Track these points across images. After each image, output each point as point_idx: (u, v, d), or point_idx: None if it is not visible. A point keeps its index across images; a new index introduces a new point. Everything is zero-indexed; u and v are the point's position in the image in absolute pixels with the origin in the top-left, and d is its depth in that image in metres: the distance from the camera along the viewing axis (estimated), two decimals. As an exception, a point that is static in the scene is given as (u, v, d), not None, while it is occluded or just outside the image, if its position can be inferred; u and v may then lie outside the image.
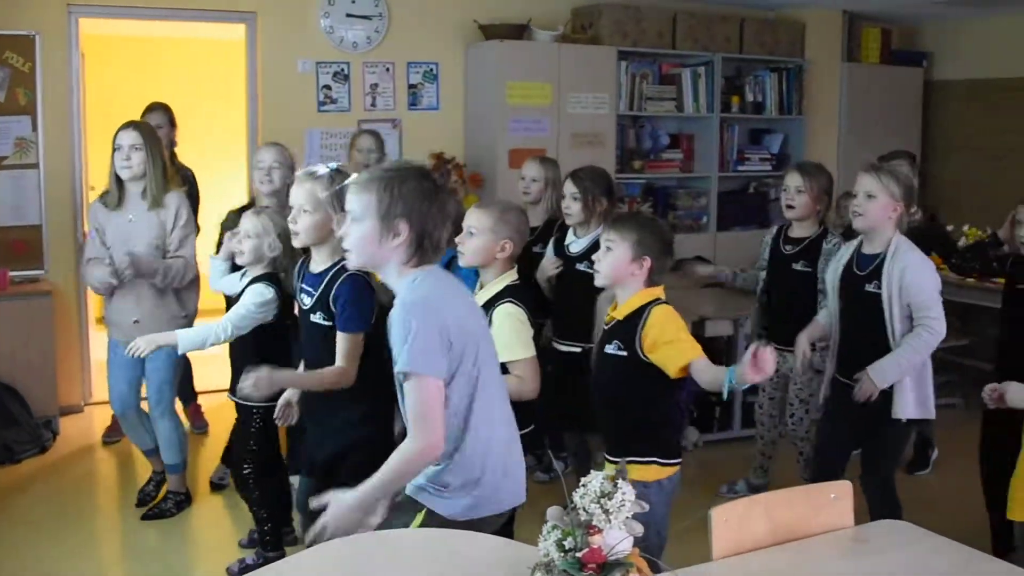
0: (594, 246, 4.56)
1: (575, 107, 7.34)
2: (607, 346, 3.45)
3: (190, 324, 4.76)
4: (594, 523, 1.91)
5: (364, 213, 2.65)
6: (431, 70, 7.34)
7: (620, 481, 1.91)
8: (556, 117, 7.27)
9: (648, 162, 7.90)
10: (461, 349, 2.67)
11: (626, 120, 7.81)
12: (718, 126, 8.05)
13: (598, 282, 3.50)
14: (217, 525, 5.00)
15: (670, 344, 3.29)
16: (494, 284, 3.64)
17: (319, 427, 3.70)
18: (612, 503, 1.89)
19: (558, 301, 4.83)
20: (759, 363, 2.99)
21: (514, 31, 7.20)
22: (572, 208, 4.70)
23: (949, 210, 8.50)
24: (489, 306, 3.52)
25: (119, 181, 4.67)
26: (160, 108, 5.89)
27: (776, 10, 8.51)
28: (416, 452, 2.64)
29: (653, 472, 3.35)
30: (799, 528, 2.70)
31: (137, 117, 5.12)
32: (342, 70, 7.05)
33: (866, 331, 4.04)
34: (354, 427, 3.60)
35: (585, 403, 4.34)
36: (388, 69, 7.20)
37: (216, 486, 5.33)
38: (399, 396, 2.75)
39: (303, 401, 3.84)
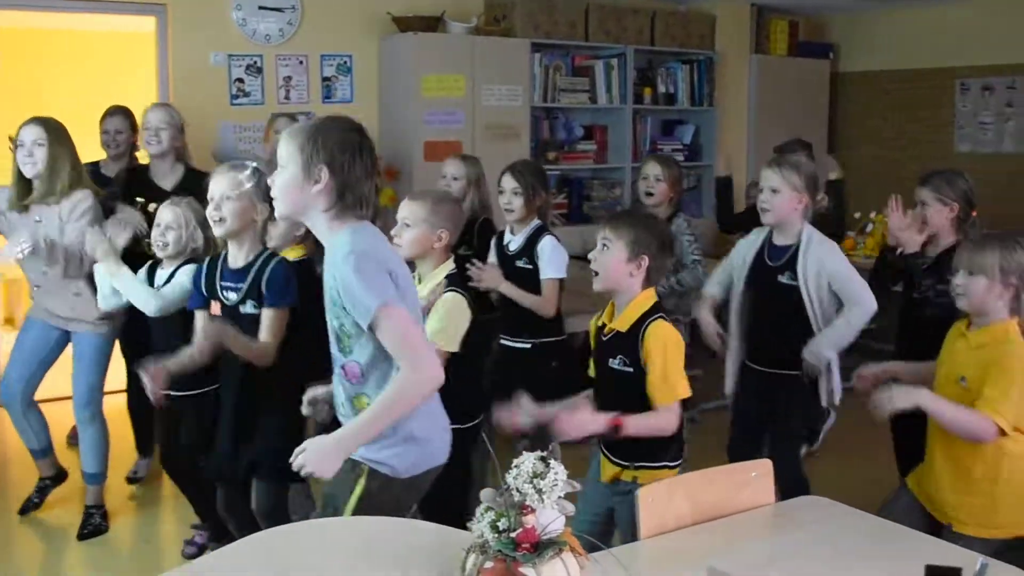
0: (531, 241, 4.59)
1: (489, 99, 7.35)
2: (611, 360, 3.28)
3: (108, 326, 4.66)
4: (527, 503, 1.93)
5: (289, 160, 2.71)
6: (345, 62, 7.30)
7: (552, 461, 1.93)
8: (471, 109, 7.27)
9: (562, 153, 7.95)
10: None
11: (540, 112, 7.85)
12: (631, 117, 8.13)
13: (596, 287, 3.31)
14: (148, 534, 4.91)
15: (661, 376, 3.17)
16: (434, 275, 3.65)
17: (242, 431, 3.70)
18: (545, 483, 1.91)
19: (503, 299, 4.67)
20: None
21: (428, 23, 7.19)
22: (514, 203, 4.57)
23: (856, 199, 8.68)
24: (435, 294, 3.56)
25: (23, 179, 4.49)
26: (120, 112, 5.60)
27: (687, 3, 8.62)
28: (415, 381, 2.65)
29: (664, 475, 3.20)
30: (722, 506, 2.77)
31: (46, 113, 5.00)
32: (255, 63, 6.98)
33: (778, 321, 4.10)
34: (273, 434, 3.62)
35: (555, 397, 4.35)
36: (302, 62, 7.14)
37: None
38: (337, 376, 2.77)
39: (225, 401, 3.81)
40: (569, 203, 7.99)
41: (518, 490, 1.93)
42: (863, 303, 3.99)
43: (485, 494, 2.00)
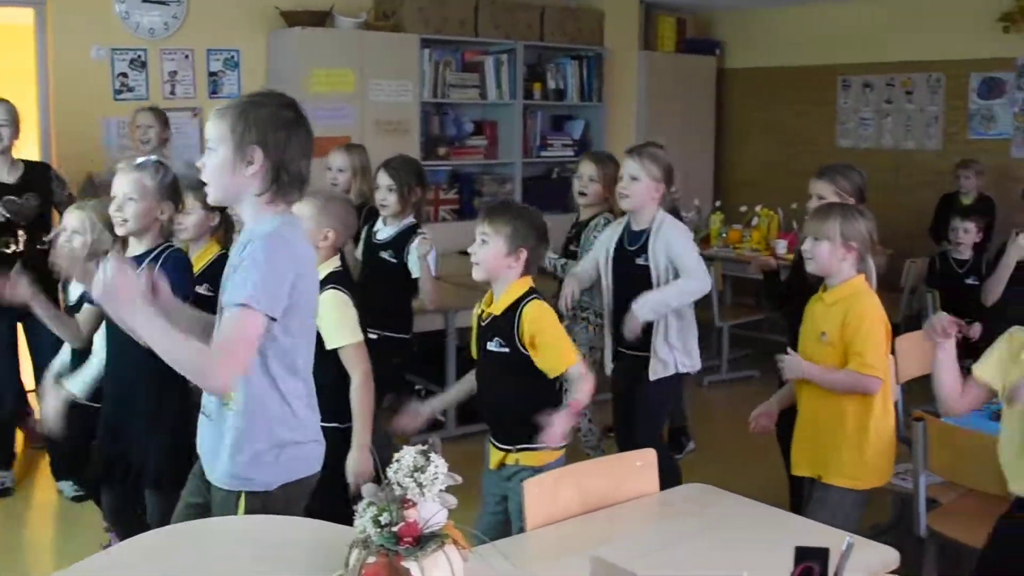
0: (401, 235, 4.60)
1: (378, 94, 7.32)
2: (488, 343, 3.42)
3: None
4: (409, 497, 1.93)
5: (219, 141, 2.54)
6: (232, 57, 7.20)
7: (433, 455, 1.94)
8: (360, 104, 7.24)
9: (453, 149, 7.96)
10: (295, 304, 2.57)
11: (430, 107, 7.84)
12: (521, 113, 8.17)
13: (476, 276, 3.42)
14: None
15: (548, 347, 3.33)
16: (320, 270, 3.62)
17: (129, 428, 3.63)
18: (425, 476, 1.92)
19: (362, 290, 4.71)
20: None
21: (316, 18, 7.14)
22: (388, 200, 4.62)
23: (744, 192, 8.87)
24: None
25: None
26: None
27: (576, -1, 8.70)
28: (205, 368, 2.46)
29: (545, 456, 3.37)
30: (608, 496, 2.81)
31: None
32: (139, 57, 6.84)
33: (632, 300, 4.28)
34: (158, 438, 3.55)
35: (390, 393, 4.39)
36: (187, 56, 7.02)
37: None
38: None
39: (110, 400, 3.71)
40: (460, 198, 8.00)
41: (399, 484, 1.93)
42: (695, 276, 4.25)
43: (367, 489, 1.99)
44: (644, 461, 2.90)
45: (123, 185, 3.50)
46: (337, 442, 3.49)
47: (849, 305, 3.49)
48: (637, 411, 4.45)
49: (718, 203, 8.41)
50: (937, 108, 8.47)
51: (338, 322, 3.53)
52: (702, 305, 7.30)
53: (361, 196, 5.10)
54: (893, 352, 4.17)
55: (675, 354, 4.35)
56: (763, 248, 7.34)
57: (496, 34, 7.98)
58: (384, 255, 4.63)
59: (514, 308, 3.35)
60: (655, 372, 4.33)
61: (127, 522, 3.78)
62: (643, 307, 4.22)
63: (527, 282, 3.41)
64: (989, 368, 3.05)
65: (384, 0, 7.65)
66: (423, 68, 7.58)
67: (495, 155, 8.23)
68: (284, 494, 2.70)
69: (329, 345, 3.49)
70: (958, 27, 8.19)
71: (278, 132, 2.52)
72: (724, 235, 7.68)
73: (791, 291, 4.28)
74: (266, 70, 7.30)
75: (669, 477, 4.24)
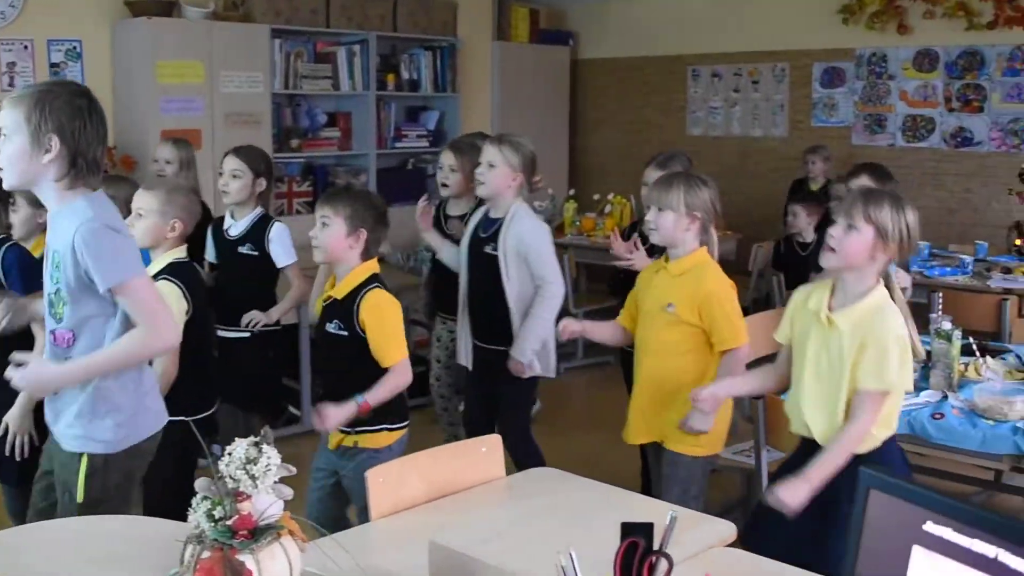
0: (256, 226, 4.55)
1: (229, 86, 7.20)
2: (327, 324, 3.52)
3: None
4: (242, 490, 1.92)
5: (15, 129, 2.64)
6: (74, 48, 6.99)
7: (265, 446, 1.93)
8: (209, 96, 7.10)
9: (306, 141, 7.87)
10: None
11: (282, 99, 7.74)
12: (374, 104, 8.12)
13: (317, 258, 3.52)
14: None
15: (377, 338, 3.43)
16: (157, 262, 3.69)
17: None
18: (258, 468, 1.91)
19: (219, 286, 4.67)
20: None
21: (163, 8, 6.97)
22: (231, 186, 4.56)
23: (597, 181, 9.00)
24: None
25: None
26: None
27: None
28: (148, 343, 2.74)
29: (384, 438, 3.49)
30: (454, 482, 2.82)
31: None
32: (-27, 48, 6.61)
33: (487, 291, 4.32)
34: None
35: (247, 385, 4.36)
36: (26, 47, 6.79)
37: None
38: None
39: None
40: (314, 190, 7.90)
41: (231, 477, 1.92)
42: (552, 282, 4.25)
43: (200, 483, 1.97)
44: (489, 446, 2.92)
45: None
46: (188, 435, 3.51)
47: (696, 279, 3.54)
48: (502, 403, 4.45)
49: (572, 191, 8.51)
50: (782, 97, 8.73)
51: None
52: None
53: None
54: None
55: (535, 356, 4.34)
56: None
57: (348, 25, 7.91)
58: (243, 249, 4.57)
59: (355, 293, 3.44)
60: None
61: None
62: (520, 351, 4.24)
63: (371, 267, 3.50)
64: (784, 331, 3.17)
65: (233, -10, 7.53)
66: (274, 59, 7.47)
67: (349, 147, 8.17)
68: (126, 455, 2.84)
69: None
70: (801, 18, 8.46)
71: (74, 120, 2.64)
72: (578, 223, 7.78)
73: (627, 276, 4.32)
74: (111, 61, 7.11)
75: (533, 461, 4.33)
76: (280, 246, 4.55)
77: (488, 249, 4.30)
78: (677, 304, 3.54)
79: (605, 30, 9.77)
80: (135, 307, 2.71)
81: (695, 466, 3.61)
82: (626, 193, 7.81)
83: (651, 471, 3.92)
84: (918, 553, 1.24)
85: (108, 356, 2.73)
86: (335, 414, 3.39)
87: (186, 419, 3.42)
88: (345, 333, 3.46)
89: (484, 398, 4.51)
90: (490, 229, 4.34)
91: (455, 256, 4.56)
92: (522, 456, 4.28)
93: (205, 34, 7.08)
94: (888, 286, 2.95)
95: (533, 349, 4.26)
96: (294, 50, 7.65)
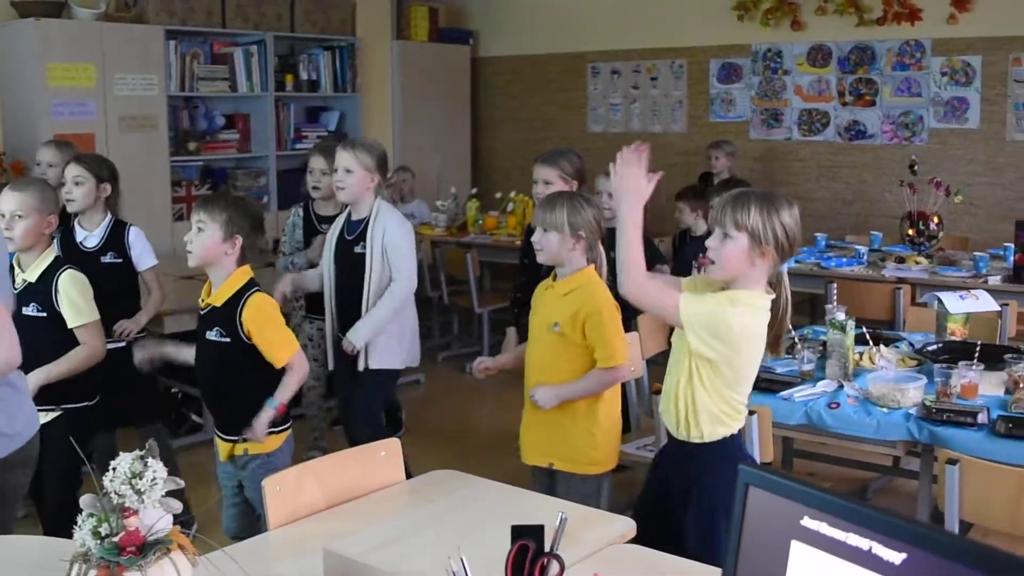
0: (114, 233, 4.53)
1: (122, 89, 7.06)
2: (208, 333, 3.48)
3: None
4: (127, 505, 1.88)
5: None
6: (-42, 51, 6.81)
7: (150, 460, 1.89)
8: (103, 100, 6.96)
9: (204, 144, 7.76)
10: None
11: (178, 101, 7.62)
12: (273, 105, 8.04)
13: (191, 263, 3.49)
14: None
15: (268, 341, 3.44)
16: (42, 259, 3.71)
17: None
18: (143, 482, 1.87)
19: None
20: None
21: (52, 9, 6.81)
22: (75, 193, 4.47)
23: (499, 179, 9.01)
24: (47, 279, 3.66)
25: None
26: None
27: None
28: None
29: (271, 441, 3.50)
30: (354, 488, 2.79)
31: None
32: None
33: (353, 287, 4.43)
34: None
35: (133, 398, 4.31)
36: (-92, 51, 6.60)
37: None
38: None
39: None
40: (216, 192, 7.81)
41: (117, 493, 1.87)
42: (403, 278, 4.40)
43: (84, 500, 1.92)
44: (388, 451, 2.90)
45: None
46: (71, 425, 3.61)
47: (581, 298, 3.52)
48: (357, 398, 4.57)
49: (474, 190, 8.50)
50: (681, 93, 8.82)
51: (81, 300, 3.70)
52: (462, 293, 7.45)
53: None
54: (633, 330, 4.33)
55: (384, 349, 4.46)
56: (519, 233, 7.47)
57: (245, 25, 7.81)
58: (106, 259, 4.51)
59: (236, 299, 3.43)
60: (372, 362, 4.44)
61: None
62: (357, 334, 4.38)
63: (247, 272, 3.50)
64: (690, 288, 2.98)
65: (125, -10, 7.38)
66: (169, 60, 7.35)
67: (248, 149, 8.08)
68: (7, 466, 2.78)
69: (71, 324, 3.67)
70: (697, 15, 8.55)
71: None
72: (481, 222, 7.76)
73: (526, 281, 4.33)
74: (-2, 65, 6.93)
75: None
76: (141, 249, 4.58)
77: (357, 249, 4.41)
78: (562, 323, 3.53)
79: (505, 28, 9.78)
80: None
81: (590, 485, 3.60)
82: (528, 191, 7.81)
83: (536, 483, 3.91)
84: (797, 548, 1.25)
85: None
86: (258, 425, 3.41)
87: (72, 406, 3.70)
88: (228, 340, 3.44)
89: (347, 392, 4.63)
90: (355, 231, 4.45)
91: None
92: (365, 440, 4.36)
93: (96, 35, 6.94)
94: (777, 289, 2.88)
95: (367, 336, 4.38)
96: (190, 51, 7.53)
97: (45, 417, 3.54)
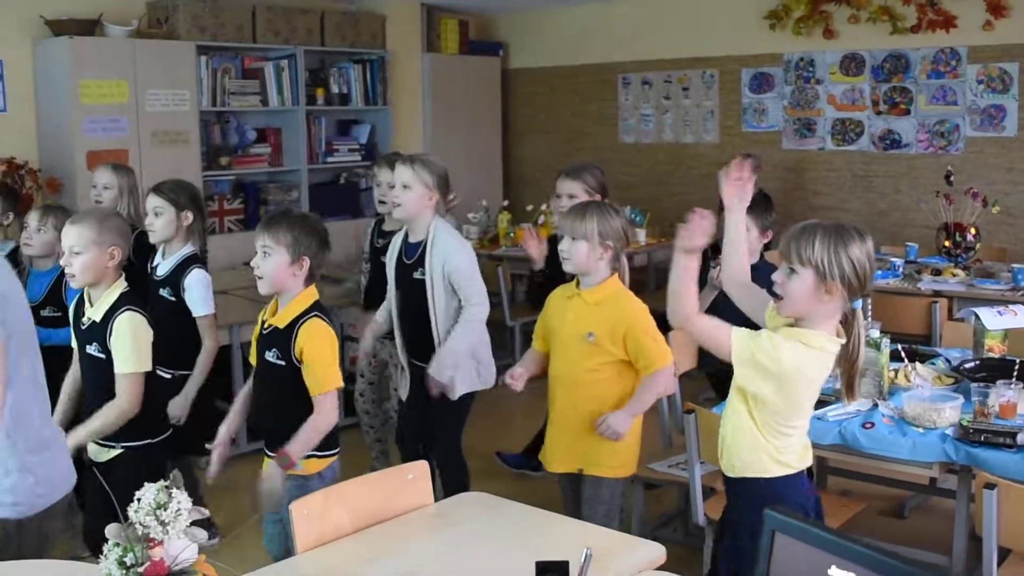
0: (177, 269, 4.37)
1: (155, 104, 7.10)
2: (267, 353, 3.39)
3: None
4: (152, 535, 1.87)
5: None
6: (-5, 68, 6.86)
7: (175, 490, 1.88)
8: (135, 116, 7.00)
9: (236, 158, 7.79)
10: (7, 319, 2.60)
11: (210, 116, 7.66)
12: (304, 119, 8.06)
13: (262, 290, 3.38)
14: None
15: (311, 368, 3.31)
16: (107, 295, 3.53)
17: None
18: (168, 513, 1.86)
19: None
20: None
21: (85, 27, 6.86)
22: (155, 224, 4.36)
23: (530, 191, 8.99)
24: (107, 318, 3.49)
25: None
26: None
27: (356, 3, 8.61)
28: None
29: (313, 465, 3.37)
30: (381, 511, 2.78)
31: None
32: None
33: (419, 316, 4.24)
34: None
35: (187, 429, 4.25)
36: (-57, 69, 6.66)
37: None
38: None
39: None
40: (245, 208, 7.84)
41: (141, 524, 1.87)
42: (475, 302, 4.19)
43: (110, 529, 1.92)
44: (416, 473, 2.88)
45: None
46: (142, 460, 3.57)
47: (615, 309, 3.55)
48: (435, 420, 4.39)
49: (506, 202, 8.48)
50: (712, 103, 8.76)
51: (131, 346, 3.48)
52: (494, 306, 7.41)
53: (129, 219, 4.84)
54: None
55: (463, 374, 4.28)
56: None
57: (275, 40, 7.83)
58: (163, 292, 4.38)
59: (295, 322, 3.33)
60: (458, 392, 4.27)
61: None
62: (439, 368, 4.17)
63: (312, 295, 3.40)
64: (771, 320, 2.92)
65: (156, 7, 7.42)
66: (201, 76, 7.38)
67: (280, 162, 8.10)
68: (39, 517, 2.73)
69: (116, 369, 3.48)
70: (728, 25, 8.50)
71: None
72: (512, 234, 7.74)
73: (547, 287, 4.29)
74: (33, 82, 6.98)
75: (462, 486, 4.29)
76: (195, 296, 4.33)
77: (416, 275, 4.22)
78: (597, 333, 3.53)
79: (535, 40, 9.76)
80: None
81: (616, 487, 3.68)
82: (560, 203, 7.79)
83: (567, 497, 3.88)
84: (825, 596, 1.22)
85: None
86: (294, 446, 3.29)
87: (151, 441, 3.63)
88: (283, 363, 3.34)
89: (419, 416, 4.43)
90: (413, 255, 4.26)
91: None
92: (449, 475, 4.31)
93: (129, 52, 6.98)
94: (849, 329, 2.76)
95: (450, 369, 4.20)
96: (221, 66, 7.56)
97: (108, 454, 3.57)
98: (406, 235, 4.33)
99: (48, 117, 6.94)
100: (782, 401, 2.74)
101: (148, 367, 3.55)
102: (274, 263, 3.32)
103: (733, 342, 2.71)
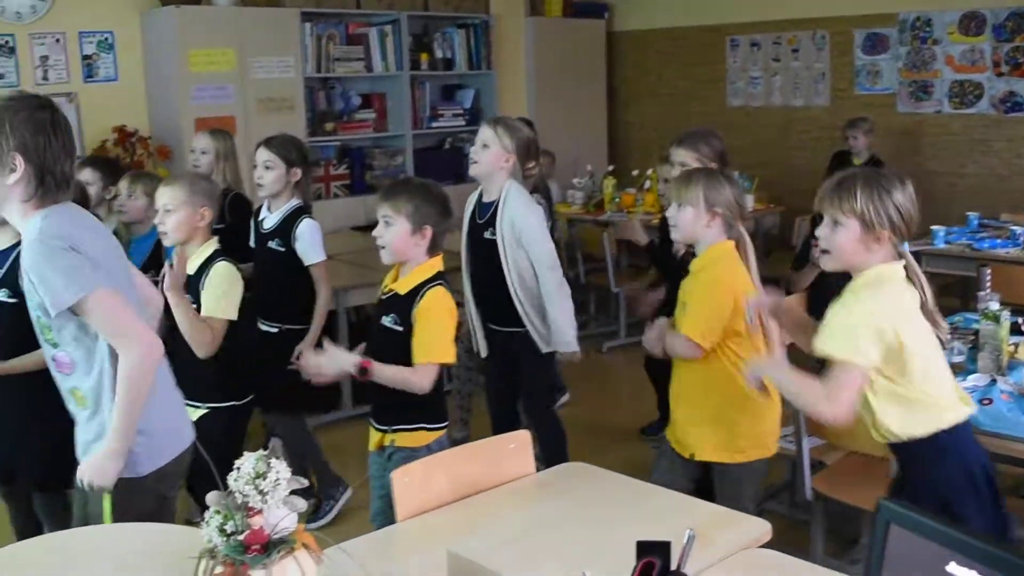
0: (287, 220, 4.42)
1: (260, 72, 7.16)
2: (384, 318, 3.33)
3: None
4: (251, 504, 1.87)
5: None
6: (106, 39, 6.98)
7: (274, 460, 1.87)
8: (241, 83, 7.07)
9: (341, 123, 7.84)
10: (107, 272, 2.61)
11: (315, 82, 7.70)
12: (409, 84, 8.06)
13: (385, 260, 3.35)
14: None
15: (421, 335, 3.24)
16: (201, 252, 3.68)
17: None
18: (267, 483, 1.85)
19: (257, 281, 4.50)
20: None
21: (192, -4, 6.96)
22: (265, 177, 4.40)
23: (636, 156, 8.89)
24: (200, 272, 3.64)
25: None
26: None
27: (460, -33, 8.58)
28: (136, 362, 2.57)
29: (422, 437, 3.33)
30: (482, 481, 2.76)
31: None
32: (7, 43, 6.59)
33: (491, 276, 4.26)
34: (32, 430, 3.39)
35: (281, 384, 4.27)
36: (59, 40, 6.79)
37: None
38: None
39: None
40: (351, 174, 7.89)
41: (240, 492, 1.86)
42: (547, 268, 4.19)
43: (211, 497, 1.92)
44: (517, 443, 2.85)
45: None
46: (231, 420, 3.71)
47: (707, 273, 3.39)
48: (524, 382, 4.43)
49: (611, 167, 8.38)
50: (823, 65, 8.53)
51: (220, 294, 3.63)
52: (599, 272, 7.36)
53: (225, 182, 5.03)
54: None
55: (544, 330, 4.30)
56: (656, 211, 7.33)
57: (379, 5, 7.85)
58: (272, 244, 4.41)
59: (418, 290, 3.27)
60: (540, 346, 4.29)
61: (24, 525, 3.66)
62: (561, 344, 4.24)
63: (436, 265, 3.34)
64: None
65: (262, -25, 7.47)
66: (305, 43, 7.43)
67: (384, 128, 8.12)
68: (153, 478, 2.73)
69: (202, 312, 3.61)
70: (840, -17, 8.25)
71: (37, 136, 2.50)
72: (617, 199, 7.65)
73: (665, 257, 4.22)
74: (143, 51, 7.09)
75: (559, 448, 4.26)
76: (307, 244, 4.37)
77: (487, 234, 4.23)
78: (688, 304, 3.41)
79: (640, 1, 9.61)
80: (100, 326, 2.57)
81: (742, 472, 3.42)
82: (666, 168, 7.68)
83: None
84: (941, 595, 1.14)
85: (123, 406, 2.57)
86: (335, 355, 3.28)
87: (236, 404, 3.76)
88: (400, 328, 3.27)
89: (504, 380, 4.47)
90: (485, 214, 4.26)
91: None
92: (545, 431, 4.30)
93: (235, 20, 7.05)
94: (905, 265, 2.72)
95: (572, 336, 4.24)
96: (325, 33, 7.60)
97: (193, 414, 3.58)
98: (480, 195, 4.33)
99: (157, 86, 7.05)
100: (893, 356, 2.64)
101: (233, 316, 3.66)
102: (395, 232, 3.27)
103: (818, 347, 2.67)
